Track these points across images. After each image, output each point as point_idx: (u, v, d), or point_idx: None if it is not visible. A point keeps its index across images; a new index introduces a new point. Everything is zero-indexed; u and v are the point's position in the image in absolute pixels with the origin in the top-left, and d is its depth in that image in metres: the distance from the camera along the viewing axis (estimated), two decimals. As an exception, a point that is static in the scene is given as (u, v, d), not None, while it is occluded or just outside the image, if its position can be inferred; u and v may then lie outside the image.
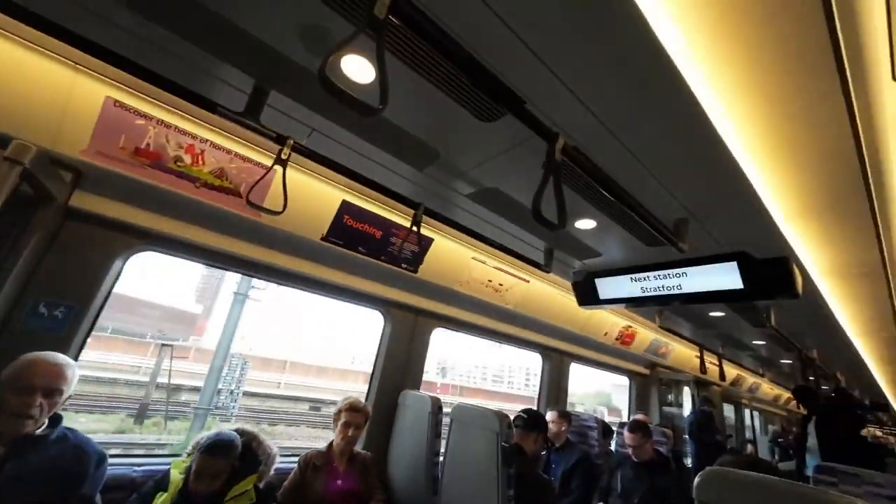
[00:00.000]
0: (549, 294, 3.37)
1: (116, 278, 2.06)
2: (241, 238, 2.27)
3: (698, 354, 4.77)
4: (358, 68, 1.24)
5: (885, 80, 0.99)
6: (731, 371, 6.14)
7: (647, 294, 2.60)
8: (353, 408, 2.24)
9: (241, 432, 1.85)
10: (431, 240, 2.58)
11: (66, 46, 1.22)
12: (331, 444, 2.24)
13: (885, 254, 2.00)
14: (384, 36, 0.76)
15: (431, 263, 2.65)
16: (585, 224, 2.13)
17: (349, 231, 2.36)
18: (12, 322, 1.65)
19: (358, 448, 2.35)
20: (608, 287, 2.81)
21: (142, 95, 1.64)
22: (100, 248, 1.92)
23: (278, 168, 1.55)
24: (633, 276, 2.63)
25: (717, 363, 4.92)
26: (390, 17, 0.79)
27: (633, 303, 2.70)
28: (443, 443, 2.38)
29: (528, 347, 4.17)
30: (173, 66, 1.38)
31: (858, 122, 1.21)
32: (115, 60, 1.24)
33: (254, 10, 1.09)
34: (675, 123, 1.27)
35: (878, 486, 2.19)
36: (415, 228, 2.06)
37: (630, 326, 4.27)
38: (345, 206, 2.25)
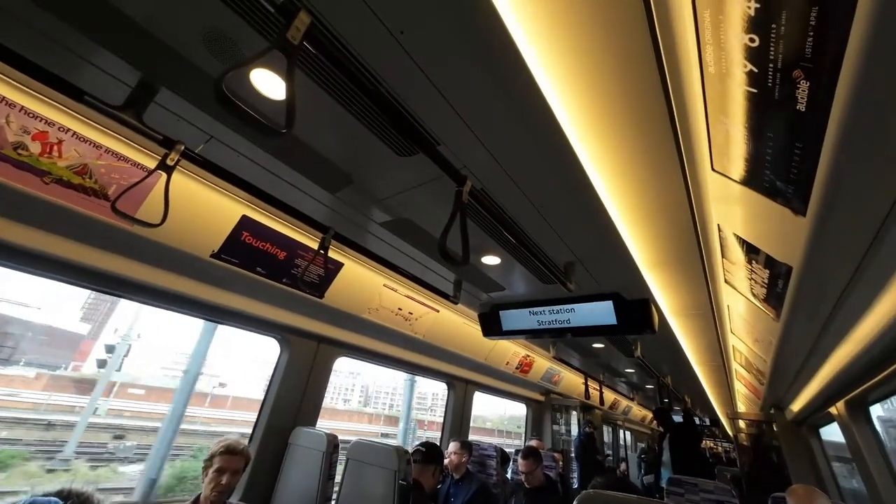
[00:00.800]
0: (457, 324, 3.47)
1: None
2: (103, 248, 1.89)
3: (584, 381, 5.32)
4: (267, 82, 1.18)
5: (707, 169, 1.30)
6: (609, 395, 6.96)
7: (543, 327, 2.85)
8: (229, 450, 1.92)
9: (67, 494, 1.45)
10: (341, 264, 2.48)
11: None
12: (197, 497, 1.89)
13: (711, 298, 2.54)
14: (295, 60, 0.75)
15: (340, 289, 2.53)
16: (491, 260, 2.28)
17: (248, 249, 2.14)
18: None
19: (234, 500, 2.02)
20: (510, 319, 3.01)
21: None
22: None
23: (162, 174, 1.36)
24: (532, 309, 2.88)
25: (599, 389, 5.54)
26: (304, 43, 0.78)
27: (531, 335, 2.93)
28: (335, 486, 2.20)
29: (434, 377, 4.17)
30: (35, 40, 1.14)
31: (693, 198, 1.55)
32: None
33: (176, 13, 0.97)
34: (564, 181, 1.47)
35: (709, 492, 2.65)
36: (322, 252, 1.96)
37: (528, 356, 4.60)
38: (245, 221, 2.05)
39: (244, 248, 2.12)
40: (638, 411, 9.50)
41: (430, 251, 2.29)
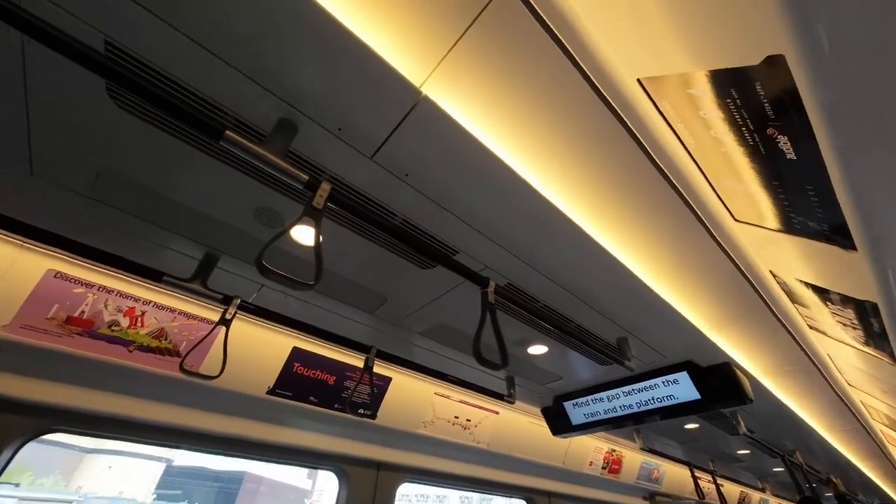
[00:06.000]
0: (521, 424, 3.16)
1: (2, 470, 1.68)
2: (167, 402, 2.02)
3: (691, 474, 4.40)
4: (302, 234, 1.38)
5: (730, 221, 1.28)
6: (732, 488, 5.63)
7: (616, 414, 2.53)
8: None
9: None
10: (389, 379, 2.46)
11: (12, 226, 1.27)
12: None
13: (804, 348, 2.19)
14: (321, 223, 0.90)
15: (392, 405, 2.47)
16: (538, 349, 2.18)
17: (299, 380, 2.22)
18: None
19: None
20: (577, 411, 2.71)
21: (85, 264, 1.66)
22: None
23: (222, 327, 1.53)
24: (597, 396, 2.60)
25: (713, 481, 4.53)
26: (329, 204, 0.95)
27: (606, 426, 2.59)
28: None
29: (510, 493, 3.65)
30: (121, 239, 1.46)
31: (727, 249, 1.48)
32: (59, 241, 1.29)
33: (204, 191, 1.24)
34: (590, 263, 1.48)
35: None
36: (368, 370, 1.98)
37: (614, 450, 3.97)
38: (295, 352, 2.16)
39: (296, 379, 2.20)
40: (778, 505, 7.47)
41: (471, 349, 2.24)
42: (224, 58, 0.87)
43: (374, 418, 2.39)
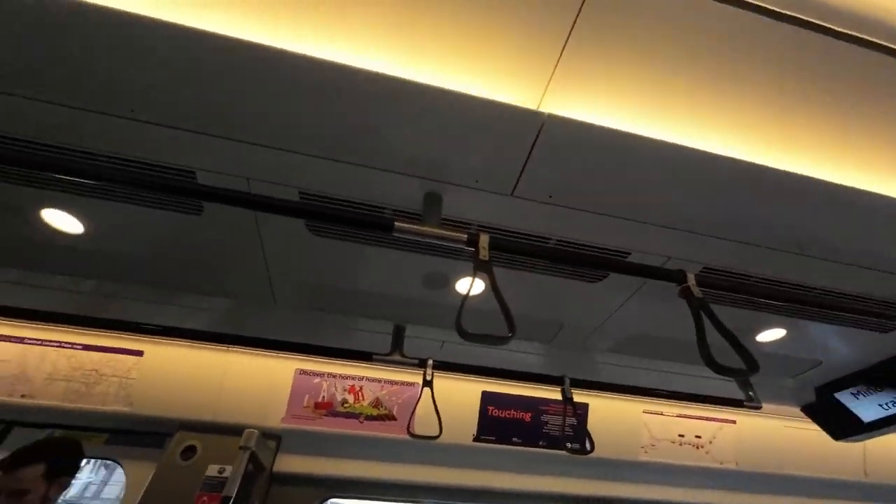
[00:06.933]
0: (775, 431, 2.47)
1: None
2: (406, 462, 2.25)
3: None
4: (466, 285, 1.45)
5: None
6: None
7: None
8: None
9: None
10: (586, 406, 2.28)
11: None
12: None
13: None
14: (493, 272, 0.91)
15: (598, 434, 2.25)
16: (770, 335, 1.71)
17: (497, 423, 2.25)
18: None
19: None
20: (866, 402, 1.97)
21: (318, 359, 2.08)
22: (298, 505, 2.09)
23: (426, 389, 1.68)
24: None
25: None
26: (493, 252, 0.96)
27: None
28: None
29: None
30: (324, 332, 1.81)
31: None
32: (298, 347, 1.67)
33: (379, 276, 1.43)
34: (817, 208, 1.12)
35: None
36: (567, 400, 1.86)
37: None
38: (486, 396, 2.22)
39: (494, 422, 2.23)
40: None
41: (679, 356, 1.90)
42: (378, 166, 1.02)
43: (587, 453, 2.22)
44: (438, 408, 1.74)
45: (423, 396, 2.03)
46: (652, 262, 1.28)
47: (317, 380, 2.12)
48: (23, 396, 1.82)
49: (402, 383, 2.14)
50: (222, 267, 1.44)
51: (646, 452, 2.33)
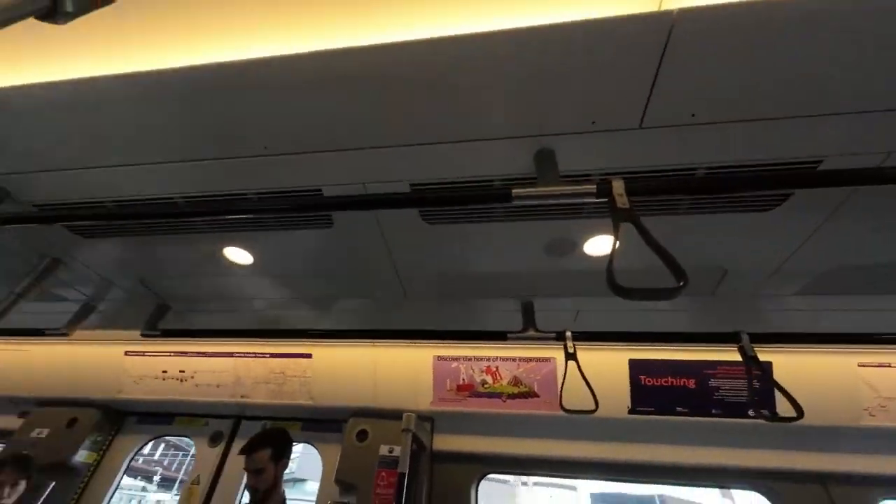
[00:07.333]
0: None
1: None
2: (549, 437, 2.22)
3: None
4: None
5: None
6: None
7: None
8: None
9: None
10: (769, 364, 1.87)
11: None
12: None
13: None
14: (638, 219, 0.77)
15: (801, 398, 1.83)
16: None
17: (653, 392, 2.01)
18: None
19: None
20: None
21: (451, 344, 2.17)
22: (460, 480, 2.23)
23: (563, 361, 1.59)
24: None
25: None
26: (631, 199, 0.81)
27: None
28: None
29: None
30: (458, 316, 1.84)
31: None
32: (433, 334, 1.75)
33: (508, 252, 1.38)
34: None
35: None
36: (749, 358, 1.54)
37: None
38: (634, 365, 2.01)
39: (650, 391, 2.01)
40: None
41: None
42: (481, 136, 0.97)
43: (796, 418, 1.82)
44: (577, 381, 1.63)
45: (569, 370, 1.94)
46: (861, 163, 0.94)
47: (454, 364, 2.21)
48: (242, 397, 2.33)
49: (538, 359, 2.08)
50: (357, 269, 1.58)
51: (872, 416, 1.81)
